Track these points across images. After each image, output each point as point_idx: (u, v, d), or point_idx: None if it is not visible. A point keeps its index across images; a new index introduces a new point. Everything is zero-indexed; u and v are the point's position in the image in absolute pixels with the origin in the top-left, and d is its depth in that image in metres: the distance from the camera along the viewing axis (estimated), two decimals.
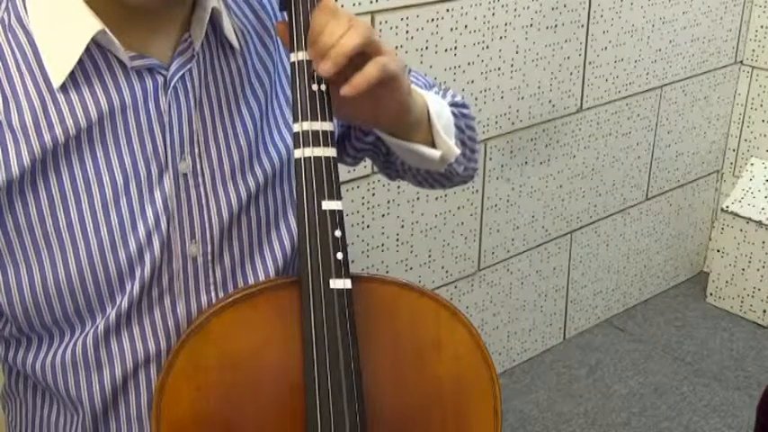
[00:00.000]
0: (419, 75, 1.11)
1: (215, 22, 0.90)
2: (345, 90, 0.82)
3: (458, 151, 1.01)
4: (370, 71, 0.83)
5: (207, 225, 0.91)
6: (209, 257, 0.93)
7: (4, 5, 0.84)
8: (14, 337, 0.93)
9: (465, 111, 1.07)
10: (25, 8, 0.84)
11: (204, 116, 0.91)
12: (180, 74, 0.88)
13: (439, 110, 0.99)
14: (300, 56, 0.85)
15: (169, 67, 0.88)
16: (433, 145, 0.98)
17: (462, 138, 1.05)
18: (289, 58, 0.88)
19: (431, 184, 1.10)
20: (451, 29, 1.96)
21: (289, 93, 0.97)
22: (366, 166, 1.90)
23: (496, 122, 2.16)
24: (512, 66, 2.13)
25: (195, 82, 0.90)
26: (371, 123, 0.96)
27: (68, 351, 0.91)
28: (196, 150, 0.90)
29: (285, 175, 0.97)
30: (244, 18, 0.95)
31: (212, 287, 0.94)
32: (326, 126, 0.84)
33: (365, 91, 0.83)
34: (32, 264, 0.85)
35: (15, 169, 0.82)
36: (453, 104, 1.06)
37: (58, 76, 0.83)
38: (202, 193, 0.91)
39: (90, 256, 0.86)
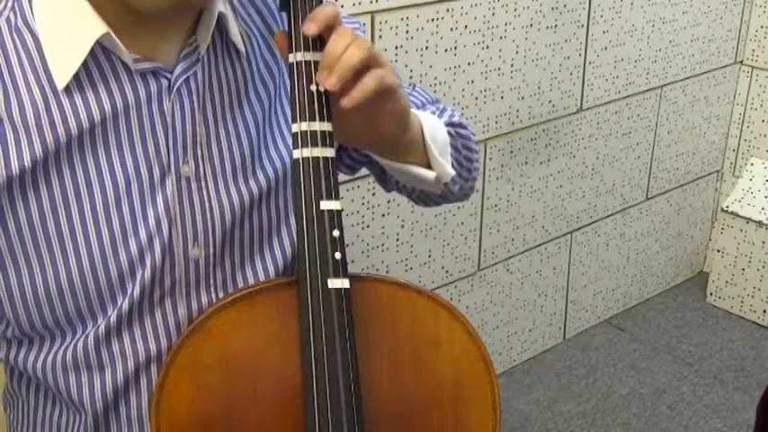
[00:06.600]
0: (422, 91, 1.11)
1: (221, 26, 0.91)
2: (344, 102, 0.83)
3: (452, 172, 1.00)
4: (368, 83, 0.83)
5: (210, 228, 0.91)
6: (211, 260, 0.93)
7: (10, 5, 0.85)
8: (16, 337, 0.93)
9: (462, 131, 1.06)
10: (31, 9, 0.84)
11: (207, 119, 0.91)
12: (184, 77, 0.88)
13: (434, 130, 0.98)
14: (299, 56, 0.85)
15: (173, 69, 0.88)
16: (427, 166, 0.98)
17: (458, 158, 1.05)
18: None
19: (425, 203, 1.10)
20: (451, 29, 1.96)
21: None
22: None
23: (496, 122, 2.16)
24: (512, 66, 2.13)
25: (199, 85, 0.90)
26: (368, 143, 0.95)
27: (69, 352, 0.91)
28: (199, 153, 0.90)
29: (289, 178, 0.97)
30: (250, 21, 0.95)
31: (213, 288, 0.94)
32: (325, 126, 0.85)
33: (363, 103, 0.83)
34: (33, 264, 0.86)
35: (16, 168, 0.82)
36: (450, 124, 1.05)
37: (61, 78, 0.83)
38: (205, 197, 0.91)
39: (91, 257, 0.86)
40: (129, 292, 0.89)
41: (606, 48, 2.34)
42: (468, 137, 1.08)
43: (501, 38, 2.07)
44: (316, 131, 0.84)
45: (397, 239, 2.07)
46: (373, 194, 1.97)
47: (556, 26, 2.19)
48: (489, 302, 2.36)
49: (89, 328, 0.90)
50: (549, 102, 2.26)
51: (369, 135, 0.91)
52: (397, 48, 1.88)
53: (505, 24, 2.07)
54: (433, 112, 1.05)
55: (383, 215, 2.02)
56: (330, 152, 0.85)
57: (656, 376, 2.47)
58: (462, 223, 2.20)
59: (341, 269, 0.84)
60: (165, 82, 0.87)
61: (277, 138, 0.97)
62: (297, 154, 0.84)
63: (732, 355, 2.58)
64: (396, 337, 0.90)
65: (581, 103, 2.35)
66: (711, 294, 2.82)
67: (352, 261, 1.98)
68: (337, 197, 0.85)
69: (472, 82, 2.06)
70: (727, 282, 2.77)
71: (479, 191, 2.20)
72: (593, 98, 2.37)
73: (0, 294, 0.88)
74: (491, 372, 0.92)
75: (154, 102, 0.87)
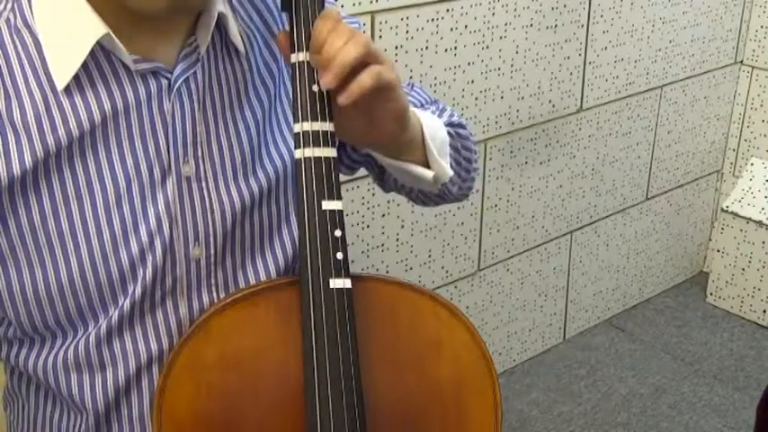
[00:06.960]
0: (421, 90, 1.11)
1: (221, 26, 0.91)
2: (341, 99, 0.83)
3: (451, 172, 1.00)
4: (364, 79, 0.83)
5: (210, 228, 0.92)
6: (212, 260, 0.93)
7: (9, 6, 0.85)
8: (17, 337, 0.93)
9: (461, 131, 1.06)
10: (31, 10, 0.84)
11: (207, 119, 0.91)
12: (184, 77, 0.88)
13: (433, 130, 0.98)
14: (301, 57, 0.85)
15: (173, 70, 0.88)
16: (426, 165, 0.98)
17: (457, 158, 1.05)
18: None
19: (424, 202, 1.10)
20: (451, 29, 1.96)
21: None
22: None
23: (496, 122, 2.16)
24: (512, 66, 2.13)
25: (199, 85, 0.90)
26: (368, 142, 0.95)
27: (70, 352, 0.91)
28: (199, 153, 0.90)
29: (289, 178, 0.97)
30: (250, 21, 0.95)
31: (214, 288, 0.94)
32: (327, 126, 0.85)
33: (360, 99, 0.83)
34: (34, 264, 0.86)
35: (17, 169, 0.82)
36: (450, 124, 1.05)
37: (61, 79, 0.83)
38: (206, 196, 0.91)
39: (92, 256, 0.86)
40: (130, 291, 0.89)
41: (606, 48, 2.34)
42: (468, 137, 1.08)
43: (501, 38, 2.07)
44: (318, 131, 0.84)
45: (397, 239, 2.07)
46: (373, 194, 1.97)
47: (556, 26, 2.19)
48: (489, 302, 2.36)
49: (90, 328, 0.90)
50: (549, 102, 2.26)
51: (368, 134, 0.91)
52: (397, 48, 1.88)
53: (505, 24, 2.07)
54: (433, 112, 1.05)
55: (383, 215, 2.02)
56: (332, 152, 0.85)
57: (656, 376, 2.48)
58: (462, 223, 2.20)
59: (342, 269, 0.84)
60: (164, 82, 0.87)
61: (277, 137, 0.97)
62: (299, 154, 0.85)
63: (732, 355, 2.58)
64: (397, 336, 0.90)
65: (581, 103, 2.35)
66: (711, 294, 2.82)
67: (353, 261, 1.98)
68: (339, 197, 0.85)
69: (472, 82, 2.06)
70: (727, 282, 2.77)
71: (479, 191, 2.20)
72: (593, 98, 2.37)
73: (1, 293, 0.88)
74: (492, 371, 0.92)
75: (154, 102, 0.87)
